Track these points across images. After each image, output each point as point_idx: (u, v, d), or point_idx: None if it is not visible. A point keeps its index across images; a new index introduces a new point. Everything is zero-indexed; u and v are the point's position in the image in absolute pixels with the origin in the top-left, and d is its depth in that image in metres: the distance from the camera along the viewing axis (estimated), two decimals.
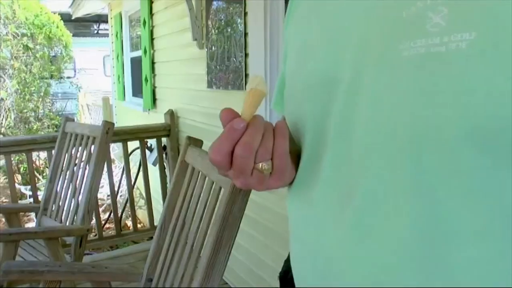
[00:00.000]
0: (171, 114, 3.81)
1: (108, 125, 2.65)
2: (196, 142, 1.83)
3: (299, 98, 0.67)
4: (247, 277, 2.87)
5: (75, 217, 2.60)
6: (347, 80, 0.58)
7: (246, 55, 2.71)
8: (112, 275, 1.84)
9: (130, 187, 3.67)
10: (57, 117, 9.19)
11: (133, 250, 3.84)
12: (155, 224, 3.79)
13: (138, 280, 1.88)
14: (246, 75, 2.72)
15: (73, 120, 3.18)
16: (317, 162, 0.63)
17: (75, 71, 12.97)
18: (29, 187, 6.17)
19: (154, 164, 3.92)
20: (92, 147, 2.71)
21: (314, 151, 0.64)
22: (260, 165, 0.56)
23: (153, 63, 4.59)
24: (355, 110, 0.56)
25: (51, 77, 9.69)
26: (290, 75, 0.72)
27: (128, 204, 4.75)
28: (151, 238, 4.51)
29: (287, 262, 0.79)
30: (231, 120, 0.55)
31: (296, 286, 0.73)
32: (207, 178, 1.61)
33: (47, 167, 7.37)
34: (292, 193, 0.71)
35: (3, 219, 3.69)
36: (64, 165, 2.94)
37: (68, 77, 11.44)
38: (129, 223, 5.66)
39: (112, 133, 2.67)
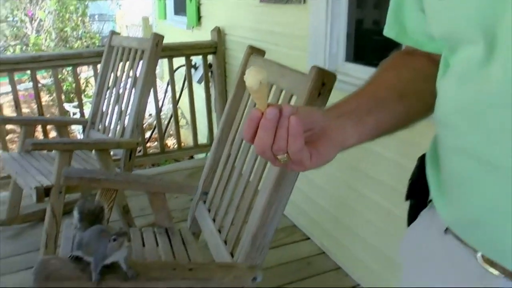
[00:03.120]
0: (218, 31, 3.67)
1: (158, 38, 2.56)
2: (258, 52, 1.72)
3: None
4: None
5: (124, 131, 2.58)
6: None
7: None
8: (167, 186, 1.82)
9: (175, 104, 3.62)
10: (97, 36, 9.14)
11: (177, 167, 3.87)
12: (199, 142, 3.79)
13: (193, 193, 1.86)
14: None
15: (119, 34, 3.10)
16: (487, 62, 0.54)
17: None
18: (72, 104, 6.25)
19: (199, 82, 3.84)
20: (140, 62, 2.64)
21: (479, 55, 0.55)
22: (279, 156, 0.62)
23: None
24: None
25: None
26: None
27: (169, 123, 4.77)
28: (192, 157, 4.56)
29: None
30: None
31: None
32: (274, 87, 1.51)
33: (87, 86, 7.43)
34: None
35: (53, 133, 3.74)
36: (111, 79, 2.90)
37: None
38: (169, 142, 5.72)
39: (161, 47, 2.58)
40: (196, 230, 1.88)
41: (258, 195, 1.36)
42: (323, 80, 1.26)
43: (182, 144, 3.88)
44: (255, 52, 1.71)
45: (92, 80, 6.78)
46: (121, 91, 2.74)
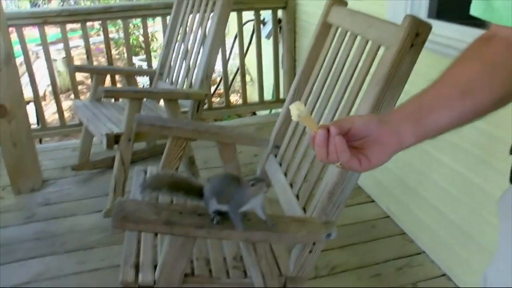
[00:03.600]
0: None
1: None
2: (340, 2, 1.61)
3: None
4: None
5: (192, 82, 2.56)
6: None
7: None
8: (239, 137, 1.78)
9: (243, 59, 3.56)
10: None
11: (241, 123, 3.85)
12: (264, 99, 3.73)
13: (264, 146, 1.81)
14: None
15: None
16: None
17: None
18: (138, 57, 6.33)
19: (267, 37, 3.75)
20: (211, 14, 2.58)
21: None
22: (335, 165, 0.78)
23: None
24: None
25: None
26: None
27: (233, 79, 4.73)
28: (254, 114, 4.53)
29: None
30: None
31: None
32: (359, 38, 1.41)
33: (152, 40, 7.48)
34: None
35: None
36: (180, 30, 2.86)
37: None
38: (232, 99, 5.69)
39: None
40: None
41: None
42: (418, 30, 1.15)
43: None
44: (337, 2, 1.60)
45: (157, 35, 6.84)
46: (191, 42, 2.70)
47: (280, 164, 1.72)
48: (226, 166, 1.84)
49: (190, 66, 2.61)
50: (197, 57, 2.59)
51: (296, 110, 0.74)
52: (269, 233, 1.18)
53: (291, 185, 1.59)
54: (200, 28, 2.66)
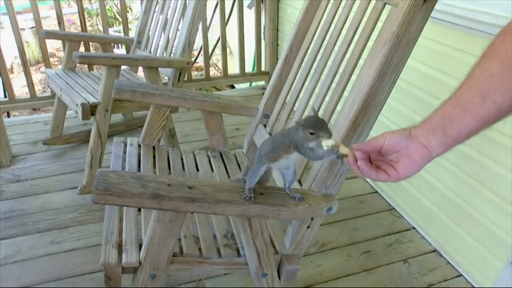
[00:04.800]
0: None
1: None
2: None
3: None
4: None
5: (173, 50, 2.41)
6: None
7: None
8: (226, 106, 1.65)
9: (224, 28, 3.39)
10: None
11: (220, 95, 3.70)
12: (246, 71, 3.59)
13: (253, 115, 1.69)
14: None
15: None
16: None
17: None
18: (113, 29, 6.09)
19: (249, 7, 3.59)
20: None
21: None
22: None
23: None
24: None
25: None
26: None
27: (213, 51, 4.56)
28: (232, 87, 4.38)
29: None
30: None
31: None
32: None
33: (127, 11, 7.21)
34: None
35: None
36: None
37: None
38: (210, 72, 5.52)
39: None
40: (253, 155, 1.73)
41: (339, 115, 1.18)
42: None
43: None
44: None
45: (132, 5, 6.58)
46: (170, 11, 2.53)
47: (270, 134, 1.61)
48: (211, 137, 1.72)
49: (170, 37, 2.45)
50: (177, 27, 2.44)
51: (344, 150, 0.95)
52: (266, 207, 1.07)
53: None
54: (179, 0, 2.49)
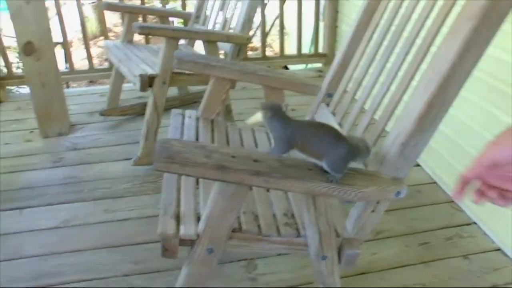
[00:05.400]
0: None
1: None
2: None
3: None
4: None
5: (231, 27, 2.36)
6: None
7: None
8: (288, 82, 1.60)
9: (282, 7, 3.32)
10: None
11: None
12: (302, 51, 3.51)
13: (315, 94, 1.63)
14: None
15: None
16: None
17: None
18: (168, 6, 6.11)
19: None
20: None
21: None
22: None
23: None
24: None
25: None
26: None
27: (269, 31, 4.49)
28: (286, 68, 4.30)
29: None
30: None
31: None
32: None
33: None
34: None
35: None
36: None
37: None
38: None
39: None
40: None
41: (413, 95, 1.10)
42: None
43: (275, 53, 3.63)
44: None
45: None
46: None
47: (334, 114, 1.54)
48: None
49: (228, 14, 2.41)
50: (236, 4, 2.39)
51: None
52: (334, 185, 1.01)
53: None
54: None
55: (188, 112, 1.63)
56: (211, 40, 2.12)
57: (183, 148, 0.96)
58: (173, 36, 1.98)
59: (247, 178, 0.95)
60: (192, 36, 2.30)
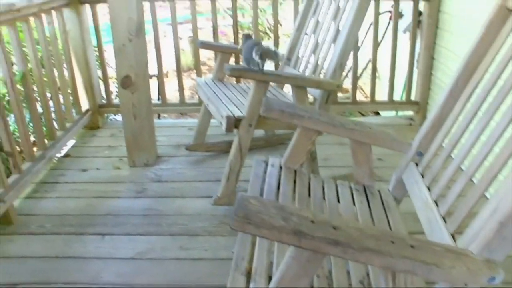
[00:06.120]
0: None
1: None
2: None
3: None
4: None
5: (324, 71, 2.33)
6: None
7: None
8: (376, 138, 1.53)
9: (376, 51, 3.26)
10: None
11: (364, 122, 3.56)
12: (394, 98, 3.40)
13: (405, 151, 1.55)
14: None
15: None
16: None
17: None
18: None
19: (404, 31, 3.41)
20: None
21: None
22: None
23: None
24: None
25: None
26: None
27: (362, 73, 4.41)
28: (377, 114, 4.19)
29: None
30: None
31: None
32: None
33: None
34: None
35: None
36: (315, 13, 2.64)
37: None
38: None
39: None
40: (398, 194, 1.58)
41: None
42: None
43: (366, 97, 3.54)
44: None
45: (283, 22, 6.69)
46: (325, 27, 2.47)
47: (423, 176, 1.45)
48: (357, 169, 1.61)
49: (320, 58, 2.39)
50: (329, 48, 2.37)
51: None
52: (417, 263, 0.93)
53: (436, 203, 1.32)
54: (334, 21, 2.42)
55: (271, 160, 1.61)
56: (300, 85, 2.10)
57: (261, 208, 0.93)
58: (263, 80, 1.99)
59: (324, 247, 0.90)
60: (281, 81, 2.30)
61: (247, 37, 2.24)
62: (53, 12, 2.86)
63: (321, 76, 2.34)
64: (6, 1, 2.34)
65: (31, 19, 2.58)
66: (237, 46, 3.19)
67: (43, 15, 2.72)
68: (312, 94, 2.24)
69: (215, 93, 2.43)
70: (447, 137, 1.44)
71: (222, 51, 2.68)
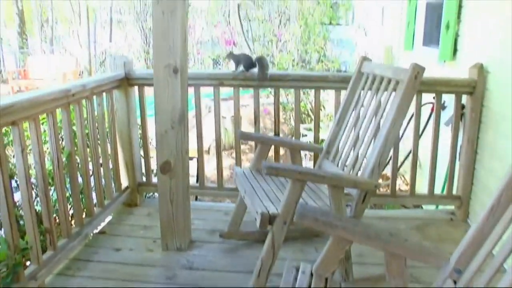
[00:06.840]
0: (480, 69, 3.15)
1: (418, 69, 2.23)
2: None
3: None
4: None
5: (361, 168, 2.31)
6: None
7: None
8: (412, 251, 1.48)
9: (416, 144, 3.22)
10: (338, 60, 9.16)
11: (404, 215, 3.48)
12: (435, 192, 3.31)
13: (442, 266, 1.48)
14: None
15: (370, 60, 2.86)
16: None
17: (353, 19, 12.89)
18: (303, 125, 6.33)
19: (446, 124, 3.38)
20: (392, 93, 2.35)
21: None
22: None
23: (460, 7, 3.95)
24: None
25: (330, 23, 9.85)
26: None
27: (402, 164, 4.36)
28: (419, 207, 4.08)
29: None
30: None
31: None
32: None
33: (320, 109, 7.50)
34: None
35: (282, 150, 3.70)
36: (354, 113, 2.67)
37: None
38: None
39: (420, 80, 2.24)
40: None
41: None
42: None
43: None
44: None
45: (326, 104, 6.79)
46: (365, 122, 2.48)
47: None
48: (390, 280, 1.54)
49: (359, 155, 2.39)
50: (371, 139, 2.37)
51: None
52: None
53: None
54: (375, 116, 2.44)
55: (302, 266, 1.58)
56: (337, 185, 2.08)
57: None
58: (299, 179, 1.99)
59: None
60: (318, 180, 2.27)
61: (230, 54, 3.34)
62: (104, 94, 3.00)
63: (360, 172, 2.32)
64: (63, 87, 2.52)
65: (83, 101, 2.72)
66: (276, 137, 3.23)
67: (94, 97, 2.86)
68: (349, 191, 2.20)
69: (251, 185, 2.44)
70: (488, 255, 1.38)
71: (261, 142, 2.71)
